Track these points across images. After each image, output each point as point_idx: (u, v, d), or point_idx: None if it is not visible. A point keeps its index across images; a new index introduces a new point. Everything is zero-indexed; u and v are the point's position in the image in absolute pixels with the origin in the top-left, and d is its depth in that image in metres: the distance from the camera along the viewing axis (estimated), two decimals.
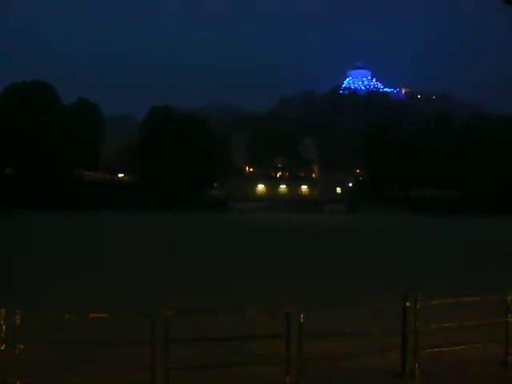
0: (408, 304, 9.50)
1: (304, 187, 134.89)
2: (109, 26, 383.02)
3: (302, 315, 8.85)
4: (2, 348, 8.12)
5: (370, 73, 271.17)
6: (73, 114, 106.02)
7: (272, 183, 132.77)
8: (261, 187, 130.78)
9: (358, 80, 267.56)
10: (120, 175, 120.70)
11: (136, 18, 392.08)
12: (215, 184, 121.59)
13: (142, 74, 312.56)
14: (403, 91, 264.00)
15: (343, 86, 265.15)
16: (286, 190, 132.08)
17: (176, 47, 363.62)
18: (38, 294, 17.11)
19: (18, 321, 8.07)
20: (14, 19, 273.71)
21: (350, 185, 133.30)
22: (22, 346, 8.14)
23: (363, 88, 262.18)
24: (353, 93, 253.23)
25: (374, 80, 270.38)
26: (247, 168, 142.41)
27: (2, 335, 8.11)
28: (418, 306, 9.49)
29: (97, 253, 31.39)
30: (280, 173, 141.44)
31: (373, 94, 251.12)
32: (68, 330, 9.89)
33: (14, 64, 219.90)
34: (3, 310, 8.14)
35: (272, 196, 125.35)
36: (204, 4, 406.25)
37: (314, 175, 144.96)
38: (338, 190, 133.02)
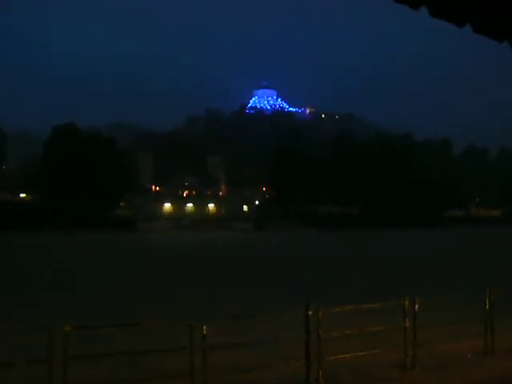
0: (310, 313, 9.62)
1: (211, 205, 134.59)
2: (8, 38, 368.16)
3: (204, 327, 8.78)
4: None
5: (275, 92, 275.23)
6: None
7: (179, 202, 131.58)
8: (167, 206, 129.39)
9: (263, 100, 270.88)
10: (22, 195, 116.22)
11: (40, 33, 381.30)
12: (121, 203, 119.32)
13: (45, 89, 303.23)
14: (308, 111, 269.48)
15: (249, 105, 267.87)
16: (193, 208, 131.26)
17: (80, 65, 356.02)
18: None
19: None
20: None
21: (257, 202, 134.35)
22: None
23: (269, 107, 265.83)
24: (259, 112, 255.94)
25: (279, 100, 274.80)
26: (154, 187, 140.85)
27: None
28: (319, 315, 9.62)
29: None
30: (187, 191, 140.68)
31: (278, 113, 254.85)
32: None
33: None
34: None
35: (179, 215, 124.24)
36: (110, 26, 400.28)
37: (220, 193, 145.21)
38: (245, 207, 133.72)
